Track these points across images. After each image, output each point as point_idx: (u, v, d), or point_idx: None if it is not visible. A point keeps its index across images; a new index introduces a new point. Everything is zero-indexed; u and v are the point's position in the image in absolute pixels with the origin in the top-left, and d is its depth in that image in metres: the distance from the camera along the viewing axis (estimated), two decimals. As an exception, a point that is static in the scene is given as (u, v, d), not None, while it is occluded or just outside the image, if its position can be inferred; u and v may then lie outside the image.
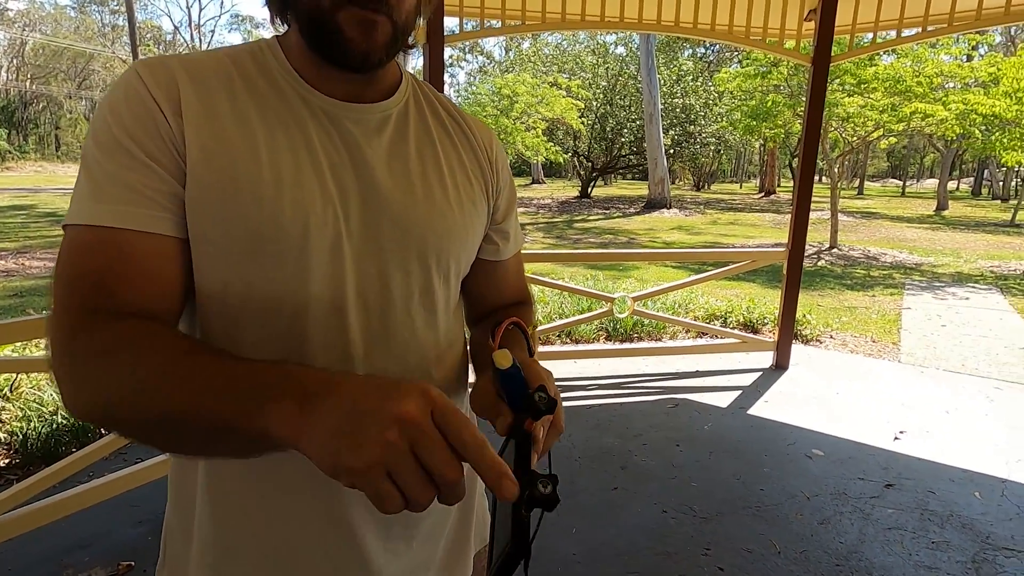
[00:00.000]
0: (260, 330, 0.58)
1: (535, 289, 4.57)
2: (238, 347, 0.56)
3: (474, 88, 21.24)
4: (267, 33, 0.71)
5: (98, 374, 0.48)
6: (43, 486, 2.01)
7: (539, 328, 4.00)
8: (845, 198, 22.80)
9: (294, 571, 0.63)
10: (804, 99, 3.98)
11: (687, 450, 2.86)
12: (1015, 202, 19.20)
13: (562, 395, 0.58)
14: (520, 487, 0.39)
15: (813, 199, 4.13)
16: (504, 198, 0.75)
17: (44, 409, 2.81)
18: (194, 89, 0.56)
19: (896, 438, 3.04)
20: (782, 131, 12.45)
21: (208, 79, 0.57)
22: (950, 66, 10.29)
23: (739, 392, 3.58)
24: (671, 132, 21.43)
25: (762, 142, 19.32)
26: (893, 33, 3.78)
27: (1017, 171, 26.08)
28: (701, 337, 4.71)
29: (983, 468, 2.73)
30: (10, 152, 30.05)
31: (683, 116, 22.12)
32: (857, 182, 32.95)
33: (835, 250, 10.74)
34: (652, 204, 17.71)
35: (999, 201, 25.29)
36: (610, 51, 24.25)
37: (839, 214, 11.47)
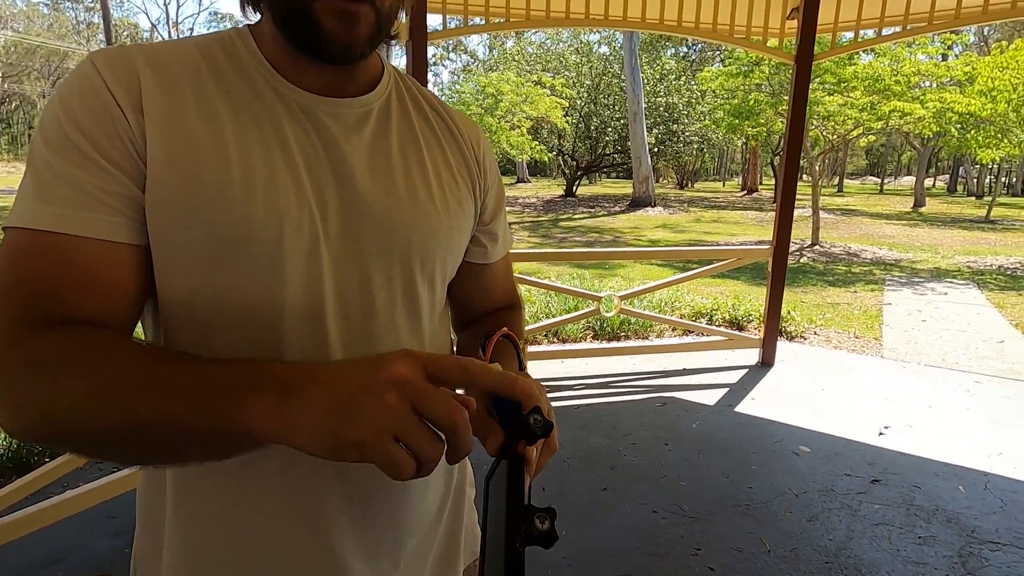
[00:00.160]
0: (232, 340, 0.54)
1: (521, 289, 4.55)
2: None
3: (458, 87, 21.16)
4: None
5: (44, 386, 0.43)
6: (14, 499, 1.94)
7: (527, 327, 3.99)
8: (826, 196, 23.13)
9: None
10: (786, 98, 4.00)
11: (676, 449, 2.85)
12: (989, 199, 19.66)
13: (550, 395, 0.55)
14: (514, 521, 0.37)
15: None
16: (492, 197, 0.72)
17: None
18: (157, 82, 0.51)
19: (881, 433, 3.06)
20: (764, 129, 12.60)
21: (173, 71, 0.53)
22: (927, 65, 10.49)
23: (726, 389, 3.59)
24: (655, 131, 21.57)
25: (744, 140, 19.51)
26: (874, 32, 3.82)
27: (991, 168, 26.70)
28: (688, 335, 4.73)
29: (966, 462, 2.76)
30: (-19, 152, 29.31)
31: (666, 115, 22.27)
32: (837, 180, 33.48)
33: (817, 247, 10.89)
34: (637, 202, 17.80)
35: (974, 198, 25.88)
36: (594, 50, 24.31)
37: (820, 211, 11.62)
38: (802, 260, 9.70)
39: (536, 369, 3.42)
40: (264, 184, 0.53)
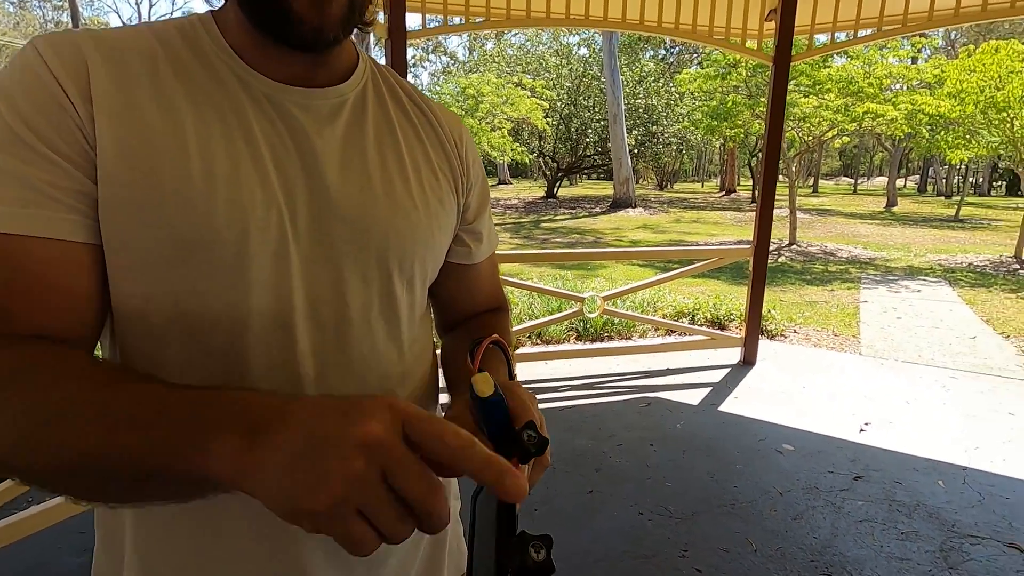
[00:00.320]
0: (190, 351, 0.49)
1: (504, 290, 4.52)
2: (164, 372, 0.48)
3: (439, 88, 21.08)
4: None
5: None
6: (-27, 517, 1.85)
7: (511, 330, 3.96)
8: (801, 196, 23.53)
9: None
10: (763, 100, 4.03)
11: (661, 449, 2.84)
12: (958, 198, 20.19)
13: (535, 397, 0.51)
14: (505, 552, 0.33)
15: (775, 197, 4.19)
16: (476, 195, 0.68)
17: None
18: (107, 70, 0.47)
19: (862, 430, 3.10)
20: (742, 131, 12.75)
21: (126, 58, 0.48)
22: (898, 68, 10.73)
23: (709, 389, 3.60)
24: (634, 132, 21.72)
25: (723, 142, 19.77)
26: (849, 34, 3.88)
27: (959, 168, 27.46)
28: (670, 335, 4.74)
29: (944, 457, 2.80)
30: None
31: (646, 116, 22.45)
32: (812, 180, 34.12)
33: (795, 246, 11.05)
34: (617, 203, 17.90)
35: (943, 197, 26.55)
36: (573, 52, 24.43)
37: (797, 211, 11.81)
38: (781, 259, 9.84)
39: (520, 371, 3.37)
40: (227, 179, 0.49)
